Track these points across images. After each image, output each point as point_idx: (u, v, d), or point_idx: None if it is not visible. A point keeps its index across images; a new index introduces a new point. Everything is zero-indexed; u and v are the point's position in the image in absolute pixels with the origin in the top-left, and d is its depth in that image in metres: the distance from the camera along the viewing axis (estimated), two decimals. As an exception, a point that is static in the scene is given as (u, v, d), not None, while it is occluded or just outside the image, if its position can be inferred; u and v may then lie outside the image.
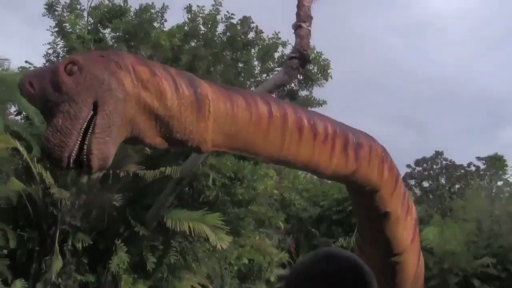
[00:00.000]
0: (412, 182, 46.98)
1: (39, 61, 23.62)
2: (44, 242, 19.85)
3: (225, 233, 20.13)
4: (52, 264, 19.12)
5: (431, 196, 44.74)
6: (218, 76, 22.35)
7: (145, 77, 4.25)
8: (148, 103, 4.26)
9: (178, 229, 19.67)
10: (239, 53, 23.49)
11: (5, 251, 19.60)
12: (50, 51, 22.77)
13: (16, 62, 23.00)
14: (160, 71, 4.44)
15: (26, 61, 23.80)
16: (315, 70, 24.88)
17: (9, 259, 19.78)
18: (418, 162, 47.06)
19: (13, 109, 21.95)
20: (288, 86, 25.28)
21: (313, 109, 25.65)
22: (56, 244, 19.32)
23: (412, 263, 14.36)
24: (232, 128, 6.31)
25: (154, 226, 20.44)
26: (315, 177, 40.32)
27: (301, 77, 24.99)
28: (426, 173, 46.26)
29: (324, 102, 25.45)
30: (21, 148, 19.24)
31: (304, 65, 18.91)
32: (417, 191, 47.04)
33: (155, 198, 20.41)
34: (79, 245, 19.73)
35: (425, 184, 46.49)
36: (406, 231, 13.83)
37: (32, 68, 23.83)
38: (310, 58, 19.11)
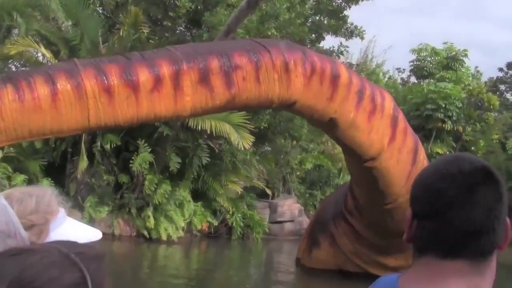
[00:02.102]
0: (503, 87, 42.15)
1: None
2: (77, 144, 19.07)
3: (249, 132, 18.37)
4: (79, 164, 18.40)
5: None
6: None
7: None
8: None
9: (200, 128, 18.17)
10: None
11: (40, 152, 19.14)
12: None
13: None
14: None
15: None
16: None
17: (47, 160, 19.35)
18: (510, 65, 41.92)
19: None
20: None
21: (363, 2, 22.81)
22: (83, 144, 18.56)
23: (398, 164, 12.13)
24: (1, 124, 6.09)
25: (179, 127, 19.06)
26: (398, 80, 37.19)
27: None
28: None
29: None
30: (46, 53, 18.49)
31: None
32: (509, 96, 42.26)
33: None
34: (107, 146, 18.80)
35: (517, 89, 41.65)
36: (374, 133, 11.64)
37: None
38: None
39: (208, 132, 18.32)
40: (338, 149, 30.41)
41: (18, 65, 20.73)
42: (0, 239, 1.36)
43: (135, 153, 18.61)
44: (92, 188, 19.41)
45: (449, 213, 1.43)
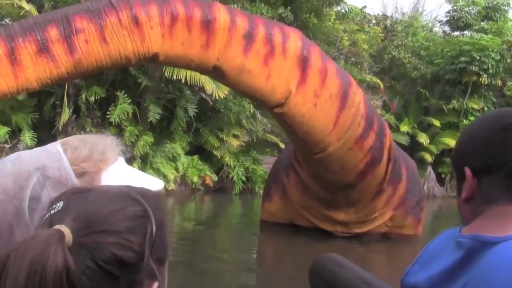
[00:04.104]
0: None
1: None
2: (64, 97, 18.52)
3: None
4: (61, 116, 17.89)
5: None
6: None
7: None
8: None
9: (175, 77, 17.12)
10: None
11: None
12: None
13: None
14: None
15: None
16: None
17: (38, 113, 18.96)
18: None
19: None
20: None
21: None
22: (65, 96, 17.95)
23: (316, 109, 10.49)
24: None
25: (158, 77, 18.08)
26: (439, 33, 34.46)
27: None
28: None
29: None
30: (26, 6, 17.82)
31: None
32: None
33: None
34: (91, 98, 18.13)
35: None
36: (275, 77, 10.04)
37: None
38: None
39: (183, 81, 17.22)
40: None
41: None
42: (53, 186, 1.36)
43: (113, 104, 17.84)
44: (81, 141, 18.85)
45: None
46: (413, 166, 13.76)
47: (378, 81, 27.91)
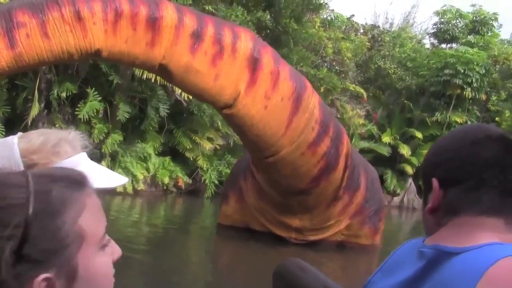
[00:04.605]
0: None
1: None
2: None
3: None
4: (30, 111, 17.66)
5: None
6: None
7: None
8: None
9: (145, 77, 16.92)
10: None
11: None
12: None
13: None
14: None
15: None
16: None
17: (10, 106, 18.70)
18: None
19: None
20: None
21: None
22: (36, 91, 17.73)
23: (267, 111, 10.26)
24: None
25: (133, 77, 17.90)
26: (426, 45, 34.30)
27: None
28: None
29: None
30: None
31: None
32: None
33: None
34: (63, 94, 17.91)
35: None
36: (223, 78, 9.84)
37: None
38: None
39: (152, 81, 17.02)
40: (349, 113, 28.44)
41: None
42: None
43: (82, 101, 17.64)
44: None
45: (486, 174, 1.39)
46: (373, 174, 13.53)
47: (362, 90, 27.73)
